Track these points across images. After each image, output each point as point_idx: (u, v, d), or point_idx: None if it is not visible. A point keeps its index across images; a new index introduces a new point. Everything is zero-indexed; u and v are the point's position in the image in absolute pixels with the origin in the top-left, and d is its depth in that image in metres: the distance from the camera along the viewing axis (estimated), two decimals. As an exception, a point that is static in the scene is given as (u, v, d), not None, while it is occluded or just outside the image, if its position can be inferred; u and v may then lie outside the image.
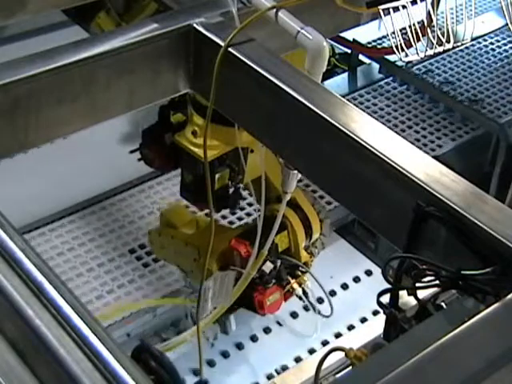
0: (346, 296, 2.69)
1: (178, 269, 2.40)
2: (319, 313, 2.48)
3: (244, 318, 2.46)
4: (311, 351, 2.49)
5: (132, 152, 2.19)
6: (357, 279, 2.75)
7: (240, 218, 2.76)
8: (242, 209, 2.78)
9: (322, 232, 2.34)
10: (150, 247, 2.50)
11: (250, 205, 2.77)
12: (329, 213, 2.53)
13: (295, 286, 2.27)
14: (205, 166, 1.79)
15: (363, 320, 2.61)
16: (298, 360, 2.46)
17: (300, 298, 2.32)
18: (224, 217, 2.74)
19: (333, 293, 2.67)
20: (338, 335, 2.55)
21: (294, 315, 2.59)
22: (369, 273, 2.77)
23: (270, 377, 2.41)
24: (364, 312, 2.62)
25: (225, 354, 2.47)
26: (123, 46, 1.58)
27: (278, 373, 2.41)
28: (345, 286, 2.72)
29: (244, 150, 2.03)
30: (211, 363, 2.44)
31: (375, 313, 2.59)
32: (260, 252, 2.11)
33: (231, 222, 2.73)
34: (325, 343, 2.52)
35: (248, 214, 2.78)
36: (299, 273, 2.29)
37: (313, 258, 2.34)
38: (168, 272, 2.54)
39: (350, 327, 2.58)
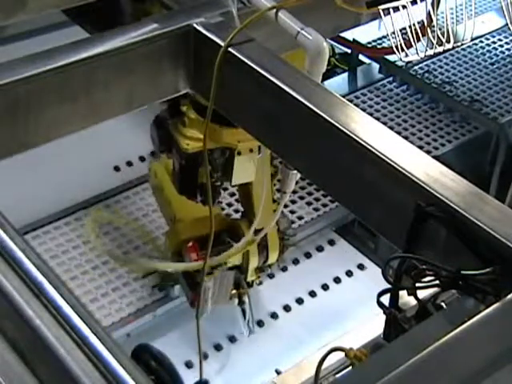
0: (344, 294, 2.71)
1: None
2: (247, 325, 2.51)
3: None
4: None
5: None
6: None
7: (237, 211, 2.75)
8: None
9: (280, 258, 2.40)
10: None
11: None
12: (297, 239, 2.57)
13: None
14: (204, 159, 1.82)
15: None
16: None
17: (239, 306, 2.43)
18: (230, 204, 2.78)
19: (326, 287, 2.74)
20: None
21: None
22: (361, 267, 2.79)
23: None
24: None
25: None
26: (123, 46, 1.58)
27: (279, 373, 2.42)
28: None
29: (231, 151, 2.03)
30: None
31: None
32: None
33: (228, 214, 2.75)
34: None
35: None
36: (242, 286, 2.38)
37: (261, 276, 2.42)
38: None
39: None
